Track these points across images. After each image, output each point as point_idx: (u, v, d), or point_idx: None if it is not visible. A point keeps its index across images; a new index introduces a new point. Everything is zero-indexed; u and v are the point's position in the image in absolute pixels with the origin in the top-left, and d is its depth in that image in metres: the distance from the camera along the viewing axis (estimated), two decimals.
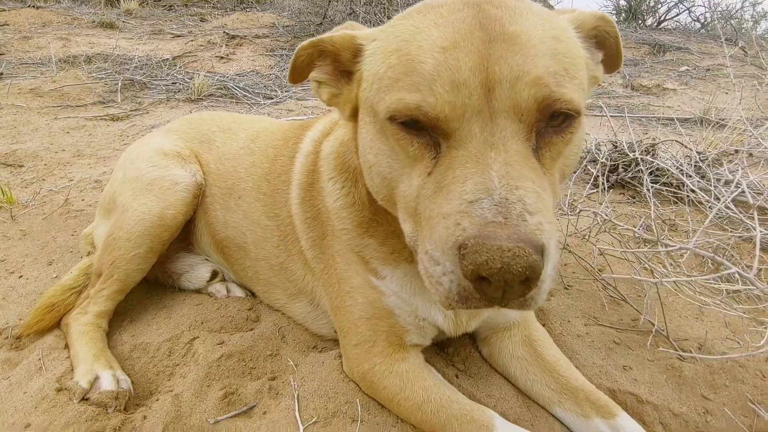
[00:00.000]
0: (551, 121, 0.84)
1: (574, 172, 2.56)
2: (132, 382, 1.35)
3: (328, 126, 1.47)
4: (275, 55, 6.44)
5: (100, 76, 4.92)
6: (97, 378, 1.30)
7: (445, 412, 1.12)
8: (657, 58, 7.40)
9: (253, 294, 1.77)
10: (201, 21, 9.57)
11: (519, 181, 0.76)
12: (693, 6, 10.59)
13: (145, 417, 1.21)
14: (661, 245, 1.50)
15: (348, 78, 1.03)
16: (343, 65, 1.02)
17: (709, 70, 6.60)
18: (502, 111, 0.79)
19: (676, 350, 1.48)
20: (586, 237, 2.03)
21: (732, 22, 9.78)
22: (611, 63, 1.12)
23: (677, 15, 10.79)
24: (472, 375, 1.39)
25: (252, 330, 1.59)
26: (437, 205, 0.79)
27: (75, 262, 1.89)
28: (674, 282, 1.51)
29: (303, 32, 7.54)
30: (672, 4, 10.52)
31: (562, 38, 0.88)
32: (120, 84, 4.65)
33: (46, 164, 2.99)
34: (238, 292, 1.75)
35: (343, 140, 1.27)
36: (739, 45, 5.79)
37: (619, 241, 2.01)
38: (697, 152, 2.50)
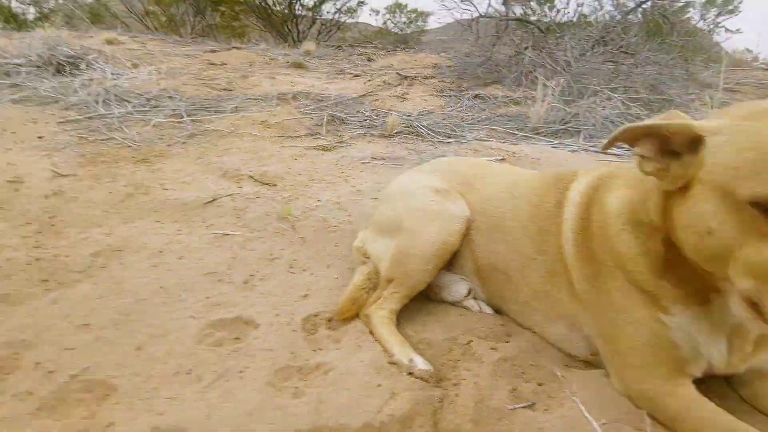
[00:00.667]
0: None
1: None
2: None
3: (594, 182, 1.78)
4: (444, 95, 7.02)
5: (306, 111, 5.88)
6: (411, 360, 1.74)
7: None
8: None
9: (497, 312, 2.13)
10: (368, 60, 10.71)
11: None
12: None
13: (457, 394, 1.60)
14: None
15: (673, 156, 1.32)
16: (670, 146, 1.32)
17: None
18: None
19: None
20: None
21: None
22: None
23: None
24: (732, 411, 1.55)
25: (508, 342, 1.93)
26: None
27: (349, 268, 2.43)
28: None
29: (466, 73, 8.08)
30: None
31: None
32: (325, 119, 5.51)
33: (292, 185, 3.75)
34: (487, 309, 2.12)
35: (633, 199, 1.55)
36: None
37: None
38: None
